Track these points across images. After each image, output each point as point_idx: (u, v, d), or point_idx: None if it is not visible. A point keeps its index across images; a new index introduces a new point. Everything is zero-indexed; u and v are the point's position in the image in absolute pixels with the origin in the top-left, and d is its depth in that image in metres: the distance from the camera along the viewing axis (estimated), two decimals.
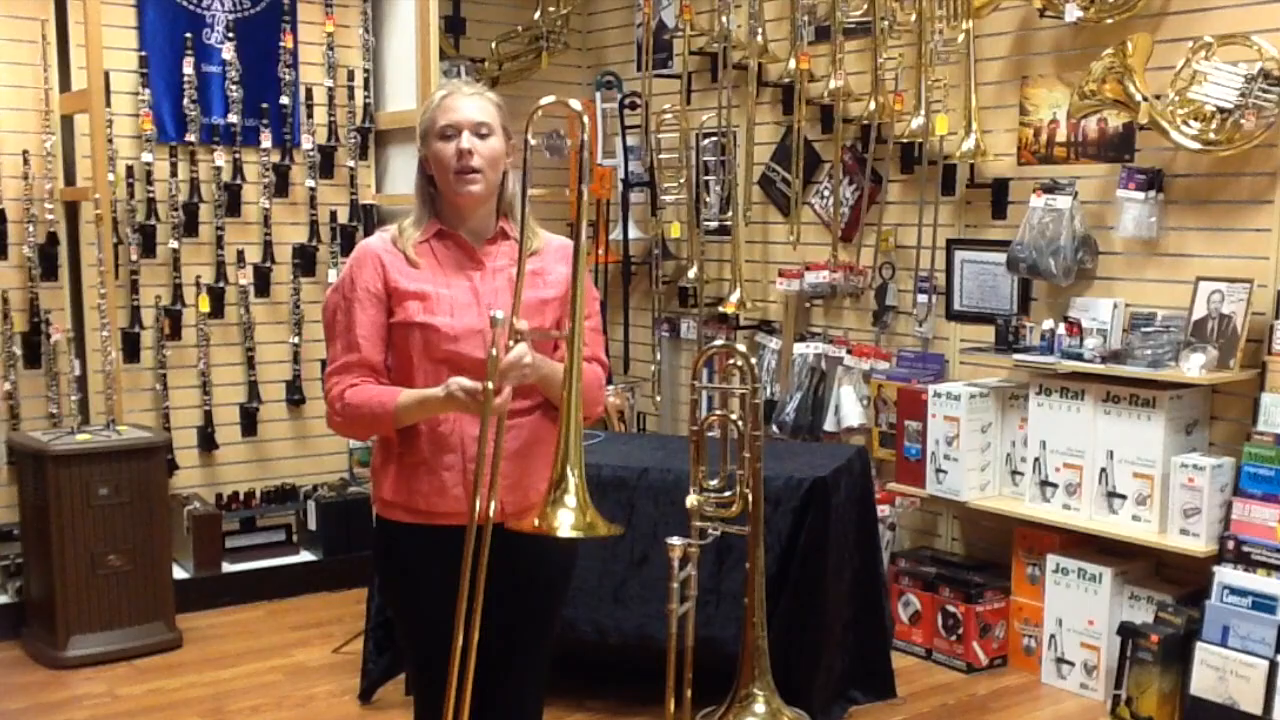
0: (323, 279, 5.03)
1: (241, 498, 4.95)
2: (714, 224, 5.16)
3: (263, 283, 4.94)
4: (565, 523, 2.00)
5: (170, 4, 4.70)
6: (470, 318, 2.27)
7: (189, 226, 4.76)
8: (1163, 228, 3.81)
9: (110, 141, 4.36)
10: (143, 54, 4.64)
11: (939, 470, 4.20)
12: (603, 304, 5.13)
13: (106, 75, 4.40)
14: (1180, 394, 3.66)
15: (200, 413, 4.86)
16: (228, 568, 4.75)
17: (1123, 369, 3.68)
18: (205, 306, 4.80)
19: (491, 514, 2.12)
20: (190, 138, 4.72)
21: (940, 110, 4.30)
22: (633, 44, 5.62)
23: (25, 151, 4.43)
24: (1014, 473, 4.16)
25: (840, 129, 4.66)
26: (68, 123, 4.54)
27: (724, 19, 4.91)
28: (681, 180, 5.14)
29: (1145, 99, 3.63)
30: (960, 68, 4.24)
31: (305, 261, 5.03)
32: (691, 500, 2.87)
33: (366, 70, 5.09)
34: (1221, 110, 3.50)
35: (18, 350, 4.47)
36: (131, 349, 4.66)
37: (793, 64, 4.74)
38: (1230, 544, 3.50)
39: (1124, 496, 3.76)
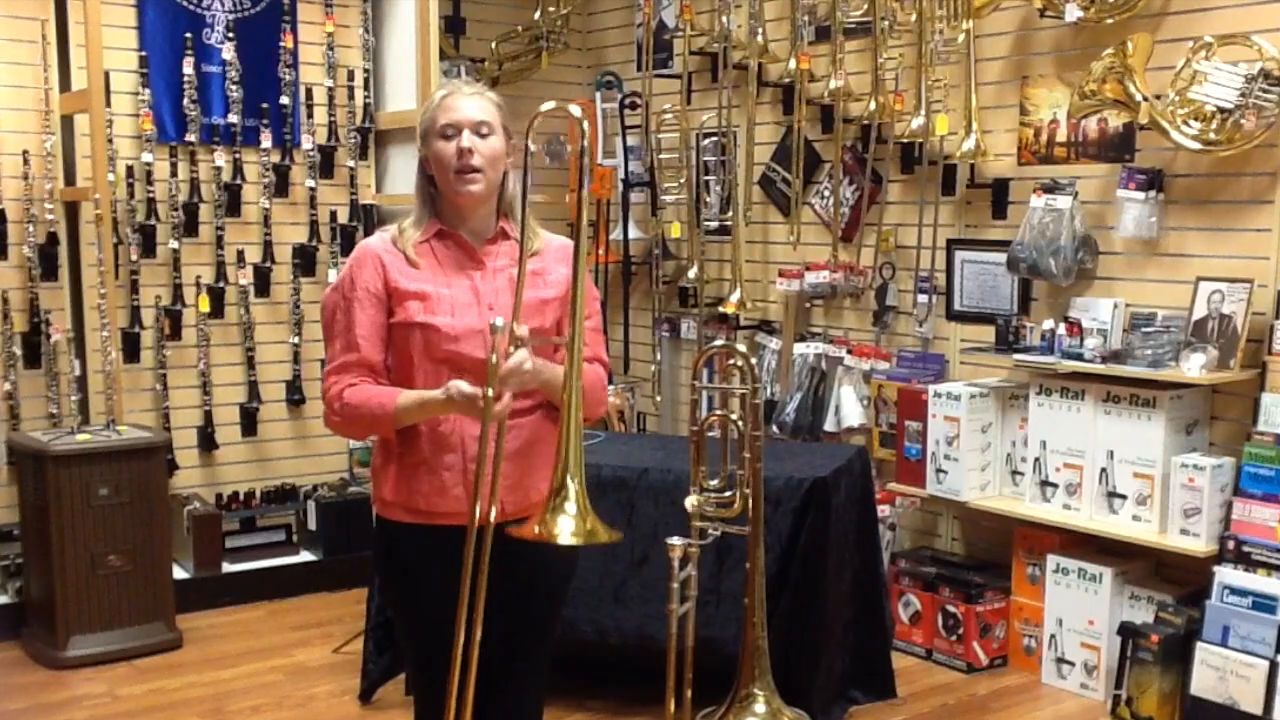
0: (323, 279, 5.03)
1: (241, 498, 4.95)
2: (714, 224, 5.16)
3: (263, 283, 4.94)
4: (566, 530, 2.01)
5: (170, 4, 4.70)
6: (471, 317, 2.27)
7: (189, 226, 4.76)
8: (1163, 228, 3.81)
9: (110, 141, 4.36)
10: (143, 54, 4.64)
11: (939, 470, 4.20)
12: (603, 304, 5.13)
13: (106, 75, 4.40)
14: (1180, 394, 3.66)
15: (200, 413, 4.86)
16: (228, 568, 4.75)
17: (1123, 369, 3.68)
18: (205, 306, 4.80)
19: (492, 518, 2.12)
20: (190, 138, 4.72)
21: (940, 110, 4.30)
22: (633, 44, 5.62)
23: (25, 151, 4.43)
24: (1014, 473, 4.16)
25: (840, 129, 4.65)
26: (68, 123, 4.54)
27: (724, 19, 4.91)
28: (682, 180, 5.14)
29: (1145, 99, 3.63)
30: (960, 68, 4.24)
31: (305, 261, 5.03)
32: (691, 501, 2.86)
33: (366, 70, 5.09)
34: (1222, 110, 3.50)
35: (18, 350, 4.47)
36: (131, 349, 4.66)
37: (793, 64, 4.74)
38: (1230, 544, 3.50)
39: (1124, 496, 3.76)
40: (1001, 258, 4.13)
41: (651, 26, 5.39)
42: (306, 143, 4.99)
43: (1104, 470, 3.80)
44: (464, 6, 5.56)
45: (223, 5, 4.79)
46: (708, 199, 5.19)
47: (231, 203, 4.83)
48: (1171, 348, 3.63)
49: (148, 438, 4.27)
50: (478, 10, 5.59)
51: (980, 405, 4.13)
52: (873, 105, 4.50)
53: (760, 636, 3.04)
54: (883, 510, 4.28)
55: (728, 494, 2.92)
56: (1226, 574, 3.48)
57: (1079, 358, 3.79)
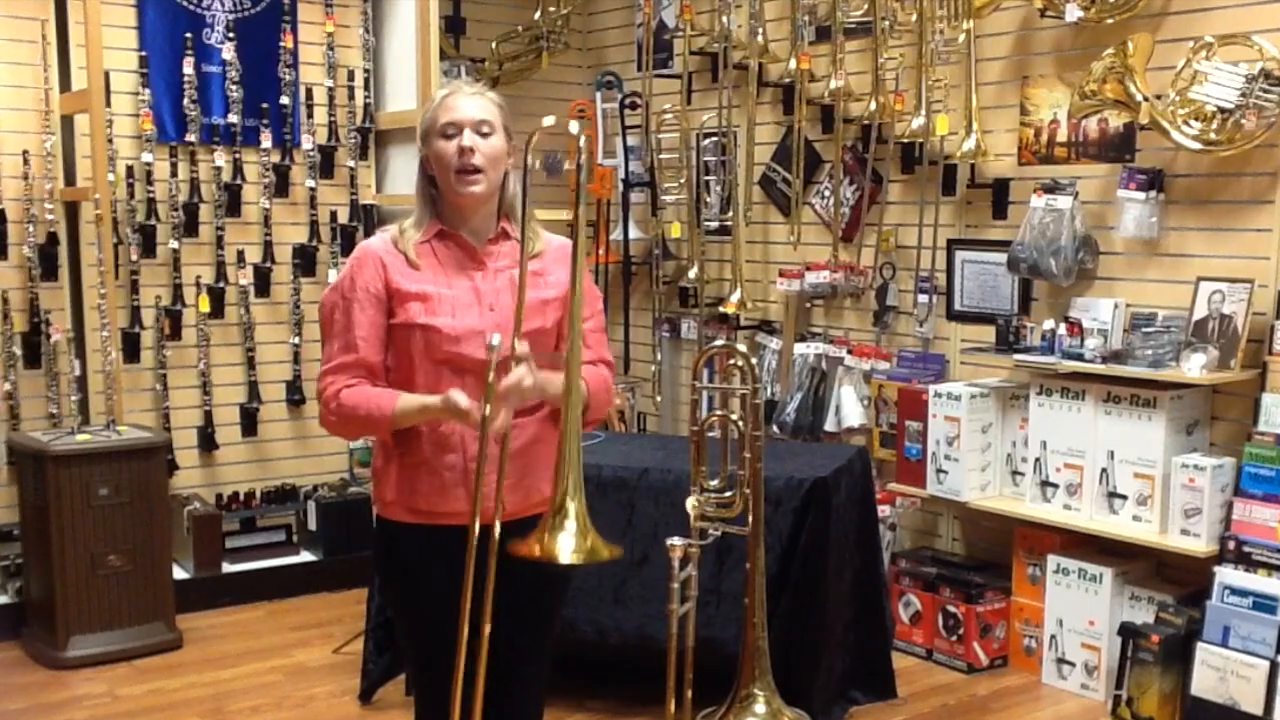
0: (323, 279, 5.03)
1: (241, 498, 4.95)
2: (714, 224, 5.16)
3: (263, 283, 4.94)
4: (566, 549, 2.01)
5: (170, 4, 4.70)
6: (472, 318, 2.26)
7: (189, 226, 4.76)
8: (1163, 228, 3.81)
9: (110, 141, 4.36)
10: (143, 54, 4.63)
11: (939, 470, 4.20)
12: (604, 304, 5.13)
13: (106, 75, 4.40)
14: (1181, 394, 3.66)
15: (200, 413, 4.86)
16: (228, 568, 4.75)
17: (1123, 369, 3.68)
18: (205, 306, 4.80)
19: (496, 529, 2.12)
20: (190, 138, 4.72)
21: (941, 110, 4.30)
22: (633, 44, 5.62)
23: (25, 151, 4.43)
24: (1014, 473, 4.16)
25: (841, 129, 4.65)
26: (68, 123, 4.54)
27: (724, 19, 4.91)
28: (682, 180, 5.14)
29: (1146, 99, 3.62)
30: (961, 68, 4.24)
31: (305, 262, 5.03)
32: (691, 501, 2.86)
33: (366, 70, 5.09)
34: (1222, 110, 3.50)
35: (18, 350, 4.46)
36: (131, 349, 4.66)
37: (793, 64, 4.74)
38: (1231, 544, 3.50)
39: (1125, 497, 3.76)
40: (1002, 258, 4.13)
41: (652, 26, 5.39)
42: (306, 143, 4.99)
43: (1104, 470, 3.80)
44: (464, 6, 5.56)
45: (223, 5, 4.79)
46: (708, 199, 5.18)
47: (231, 203, 4.83)
48: (1172, 348, 3.63)
49: (148, 438, 4.27)
50: (478, 10, 5.59)
51: (981, 405, 4.13)
52: (873, 105, 4.49)
53: (760, 637, 3.04)
54: (883, 510, 4.28)
55: (728, 494, 2.92)
56: (1227, 574, 3.47)
57: (1079, 358, 3.79)
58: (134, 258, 4.63)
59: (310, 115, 5.02)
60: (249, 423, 4.96)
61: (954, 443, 4.14)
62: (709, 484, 2.93)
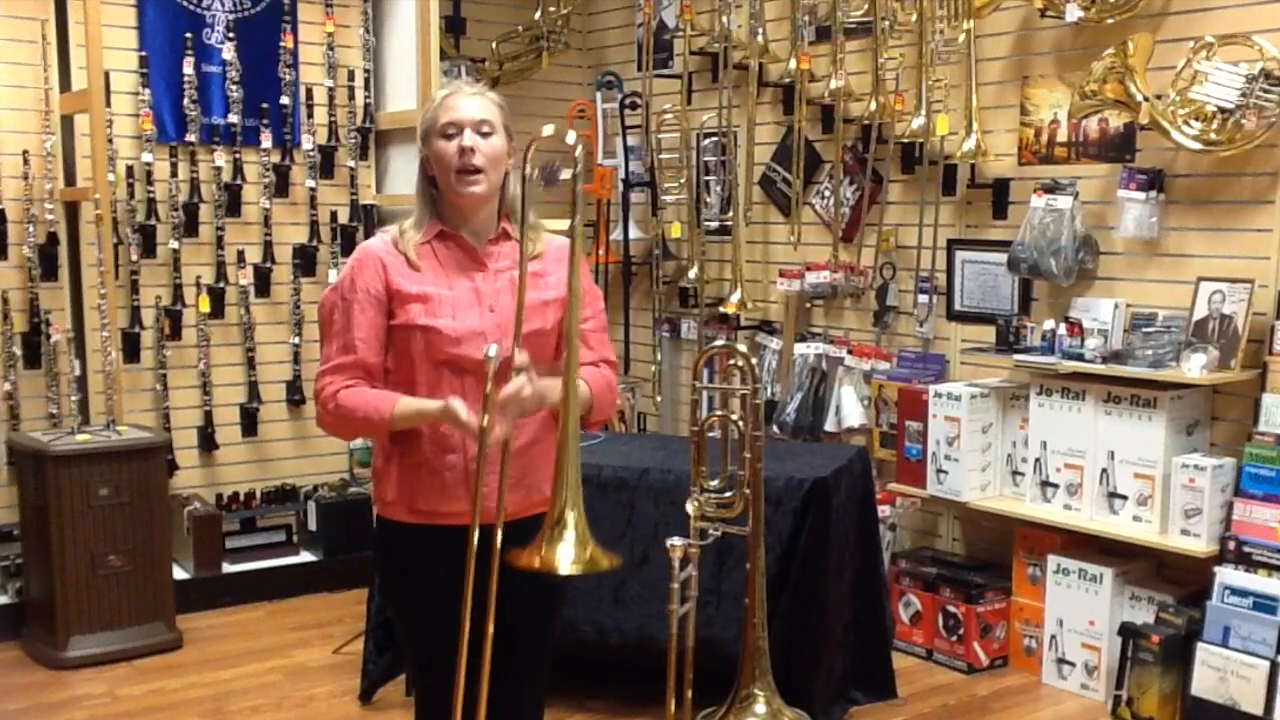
0: (323, 279, 5.03)
1: (241, 498, 4.95)
2: (714, 224, 5.16)
3: (263, 283, 4.93)
4: (565, 560, 2.01)
5: (170, 4, 4.70)
6: (472, 319, 2.26)
7: (189, 226, 4.76)
8: (1164, 228, 3.81)
9: (110, 141, 4.36)
10: (143, 54, 4.63)
11: (940, 471, 4.20)
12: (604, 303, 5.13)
13: (106, 75, 4.40)
14: (1181, 394, 3.66)
15: (200, 413, 4.85)
16: (228, 568, 4.74)
17: (1124, 369, 3.68)
18: (205, 307, 4.80)
19: (500, 534, 2.12)
20: (190, 138, 4.71)
21: (941, 110, 4.30)
22: (633, 44, 5.62)
23: (25, 151, 4.43)
24: (1015, 473, 4.16)
25: (841, 129, 4.65)
26: (68, 123, 4.54)
27: (724, 19, 4.91)
28: (682, 180, 5.14)
29: (1146, 99, 3.62)
30: (961, 68, 4.24)
31: (305, 262, 5.03)
32: (691, 502, 2.86)
33: (367, 70, 5.09)
34: (1222, 110, 3.50)
35: (18, 350, 4.46)
36: (131, 349, 4.66)
37: (793, 64, 4.74)
38: (1231, 544, 3.50)
39: (1125, 497, 3.76)
40: (1002, 258, 4.13)
41: (652, 26, 5.39)
42: (307, 143, 4.99)
43: (1104, 471, 3.80)
44: (464, 6, 5.56)
45: (223, 5, 4.79)
46: (708, 199, 5.18)
47: (231, 203, 4.83)
48: (1172, 348, 3.63)
49: (148, 438, 4.27)
50: (478, 10, 5.59)
51: (981, 405, 4.13)
52: (873, 105, 4.49)
53: (760, 637, 3.04)
54: (883, 510, 4.28)
55: (728, 494, 2.93)
56: (1227, 574, 3.47)
57: (1080, 358, 3.79)
58: (134, 258, 4.62)
59: (310, 115, 5.01)
60: (249, 423, 4.96)
61: (954, 443, 4.14)
62: (709, 484, 2.94)
